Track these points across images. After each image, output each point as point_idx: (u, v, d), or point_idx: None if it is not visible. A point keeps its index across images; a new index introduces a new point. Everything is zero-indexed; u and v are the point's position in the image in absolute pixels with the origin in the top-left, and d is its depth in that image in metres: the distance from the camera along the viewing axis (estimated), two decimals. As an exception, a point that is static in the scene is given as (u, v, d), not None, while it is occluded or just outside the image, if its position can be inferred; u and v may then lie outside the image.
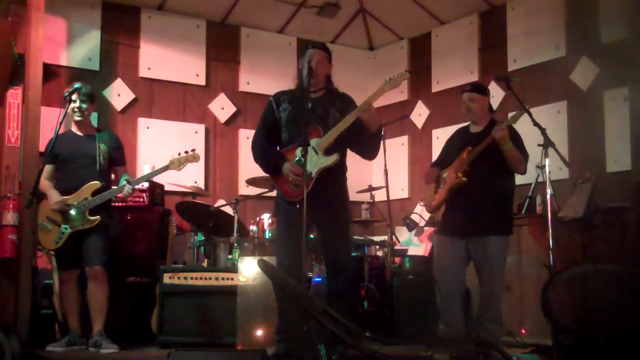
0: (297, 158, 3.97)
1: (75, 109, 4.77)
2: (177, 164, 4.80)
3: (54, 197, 4.68)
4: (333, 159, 3.96)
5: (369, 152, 4.17)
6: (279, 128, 4.15)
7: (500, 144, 4.20)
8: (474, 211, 4.28)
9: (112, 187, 4.85)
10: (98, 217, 4.69)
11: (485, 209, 4.28)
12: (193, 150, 4.85)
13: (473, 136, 4.45)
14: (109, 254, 4.78)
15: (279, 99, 4.18)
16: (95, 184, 4.73)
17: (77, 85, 4.67)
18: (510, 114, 4.55)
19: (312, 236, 4.65)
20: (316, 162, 3.93)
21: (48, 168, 4.72)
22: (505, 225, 4.38)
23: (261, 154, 4.17)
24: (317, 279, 5.25)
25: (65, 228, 4.70)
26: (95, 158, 4.78)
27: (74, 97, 4.69)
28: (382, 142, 6.02)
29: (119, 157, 4.94)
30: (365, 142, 4.07)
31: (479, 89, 4.54)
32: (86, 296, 4.81)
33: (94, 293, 4.74)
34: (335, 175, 4.06)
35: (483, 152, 4.27)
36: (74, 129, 4.90)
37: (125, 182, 4.71)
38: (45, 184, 4.65)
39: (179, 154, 4.82)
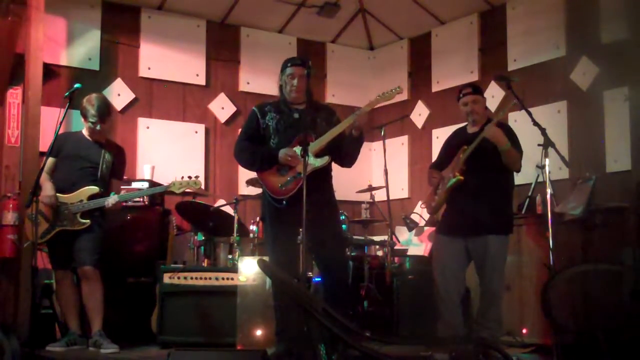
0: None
1: (91, 124, 4.81)
2: (177, 186, 4.82)
3: (48, 190, 4.70)
4: (325, 160, 4.04)
5: (348, 157, 4.20)
6: (264, 136, 4.20)
7: (498, 144, 4.21)
8: (474, 210, 4.28)
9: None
10: (88, 221, 4.72)
11: (485, 208, 4.27)
12: (197, 177, 4.86)
13: (470, 136, 4.44)
14: (100, 253, 4.77)
15: (264, 109, 4.25)
16: (94, 189, 4.76)
17: (77, 85, 4.66)
18: (510, 113, 4.55)
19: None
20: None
21: (50, 161, 4.76)
22: (505, 224, 4.38)
23: (250, 152, 4.20)
24: (317, 279, 5.25)
25: (53, 226, 4.72)
26: (97, 164, 4.82)
27: (92, 119, 4.74)
28: (382, 142, 6.12)
29: (118, 170, 4.99)
30: (346, 147, 4.11)
31: (479, 90, 4.55)
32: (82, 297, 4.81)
33: (88, 293, 4.74)
34: (322, 179, 4.10)
35: (478, 150, 4.27)
36: (85, 132, 4.92)
37: (114, 194, 4.76)
38: (43, 176, 4.66)
39: (182, 177, 4.84)
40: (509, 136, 4.29)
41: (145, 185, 5.64)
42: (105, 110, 4.83)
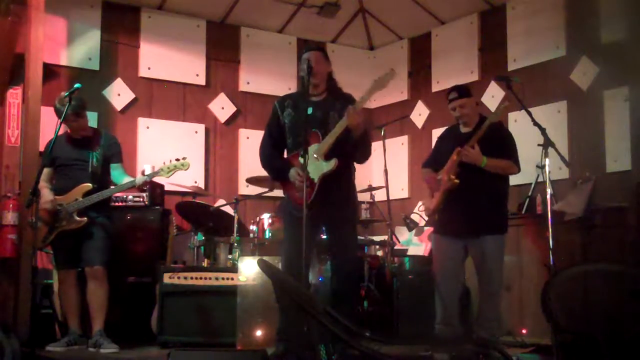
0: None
1: (72, 122, 4.76)
2: (166, 171, 4.77)
3: (46, 196, 4.69)
4: (332, 164, 4.00)
5: (357, 156, 4.18)
6: (284, 133, 4.20)
7: (476, 164, 4.22)
8: (470, 211, 4.29)
9: (111, 187, 4.87)
10: (85, 218, 4.70)
11: (481, 209, 4.29)
12: (184, 158, 4.82)
13: (464, 136, 4.44)
14: (109, 253, 4.78)
15: (283, 104, 4.24)
16: (87, 185, 4.75)
17: (77, 85, 4.64)
18: (510, 113, 4.54)
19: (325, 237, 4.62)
20: (317, 168, 3.97)
21: (46, 171, 4.73)
22: (501, 223, 4.39)
23: (268, 161, 4.24)
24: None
25: (52, 228, 4.72)
26: (87, 161, 4.80)
27: (69, 117, 4.65)
28: (382, 142, 6.12)
29: (114, 155, 4.94)
30: (352, 146, 4.07)
31: (465, 92, 4.52)
32: (86, 295, 4.81)
33: (93, 293, 4.74)
34: (341, 177, 4.10)
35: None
36: (67, 132, 4.89)
37: (140, 175, 4.78)
38: (41, 184, 4.65)
39: (170, 160, 4.79)
40: (501, 140, 4.31)
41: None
42: (77, 104, 4.70)
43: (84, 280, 4.82)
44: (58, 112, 4.68)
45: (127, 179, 4.81)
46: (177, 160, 4.79)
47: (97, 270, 4.71)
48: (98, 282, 4.73)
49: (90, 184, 4.75)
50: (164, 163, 4.80)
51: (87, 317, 4.85)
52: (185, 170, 4.85)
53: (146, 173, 6.08)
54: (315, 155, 3.97)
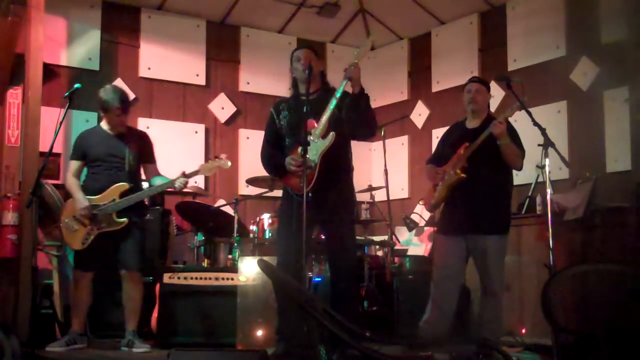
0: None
1: (117, 116, 4.67)
2: (206, 170, 4.70)
3: (81, 201, 4.59)
4: (329, 138, 3.96)
5: (358, 122, 4.05)
6: (281, 136, 4.21)
7: (498, 138, 4.19)
8: (474, 209, 4.25)
9: (144, 187, 4.83)
10: (125, 219, 4.62)
11: (485, 207, 4.24)
12: (224, 156, 4.70)
13: (470, 132, 4.41)
14: (144, 256, 4.80)
15: (278, 108, 4.27)
16: (123, 185, 4.66)
17: (77, 85, 4.63)
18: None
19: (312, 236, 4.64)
20: (316, 149, 3.96)
21: (75, 165, 4.70)
22: (504, 224, 4.35)
23: (268, 160, 4.26)
24: (317, 279, 5.25)
25: (92, 230, 4.65)
26: (123, 159, 4.71)
27: (116, 112, 4.60)
28: (382, 142, 6.12)
29: (148, 155, 4.88)
30: (351, 110, 3.99)
31: (485, 83, 4.54)
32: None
33: (130, 295, 4.74)
34: (339, 170, 4.09)
35: (481, 148, 4.24)
36: (105, 126, 4.78)
37: (180, 174, 4.64)
38: (71, 182, 4.64)
39: (209, 160, 4.73)
40: (511, 134, 4.27)
41: (145, 185, 5.61)
42: (127, 98, 4.71)
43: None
44: (105, 104, 4.64)
45: (160, 180, 4.74)
46: (216, 158, 4.69)
47: (135, 275, 4.72)
48: (135, 285, 4.73)
49: (127, 184, 4.67)
50: (205, 162, 4.76)
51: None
52: (227, 168, 4.77)
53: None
54: (312, 138, 3.95)
